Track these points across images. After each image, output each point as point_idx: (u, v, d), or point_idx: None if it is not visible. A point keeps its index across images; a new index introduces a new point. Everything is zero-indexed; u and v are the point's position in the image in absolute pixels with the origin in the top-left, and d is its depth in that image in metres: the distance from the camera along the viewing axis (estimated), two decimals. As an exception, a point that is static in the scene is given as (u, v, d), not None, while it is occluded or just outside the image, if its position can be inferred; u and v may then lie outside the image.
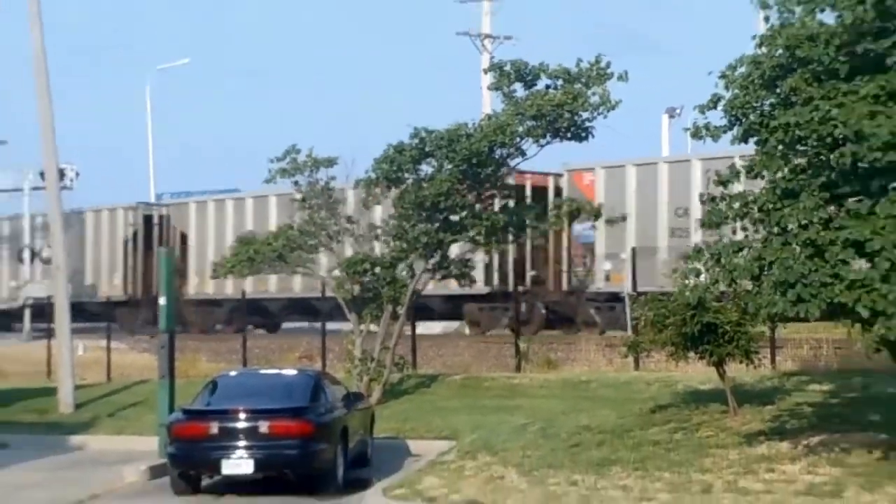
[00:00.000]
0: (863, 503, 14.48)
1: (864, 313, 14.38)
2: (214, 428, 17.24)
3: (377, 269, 26.50)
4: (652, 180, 34.71)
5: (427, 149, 25.77)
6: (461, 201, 26.19)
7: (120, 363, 34.68)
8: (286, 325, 47.68)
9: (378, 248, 28.31)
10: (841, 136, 14.59)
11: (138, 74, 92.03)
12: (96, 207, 50.38)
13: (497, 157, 25.91)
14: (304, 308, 43.29)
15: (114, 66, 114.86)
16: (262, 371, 23.15)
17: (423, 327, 35.02)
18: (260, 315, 45.35)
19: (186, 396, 19.33)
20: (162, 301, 21.78)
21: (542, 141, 25.60)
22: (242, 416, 17.35)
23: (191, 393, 19.20)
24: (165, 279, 22.36)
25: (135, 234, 48.91)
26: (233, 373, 22.98)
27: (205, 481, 17.74)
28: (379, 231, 27.68)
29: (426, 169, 26.26)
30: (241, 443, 17.10)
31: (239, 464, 16.98)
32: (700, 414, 20.17)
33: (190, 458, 17.46)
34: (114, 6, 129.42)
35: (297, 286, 40.62)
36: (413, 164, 26.06)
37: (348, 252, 28.18)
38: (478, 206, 26.67)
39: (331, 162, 27.69)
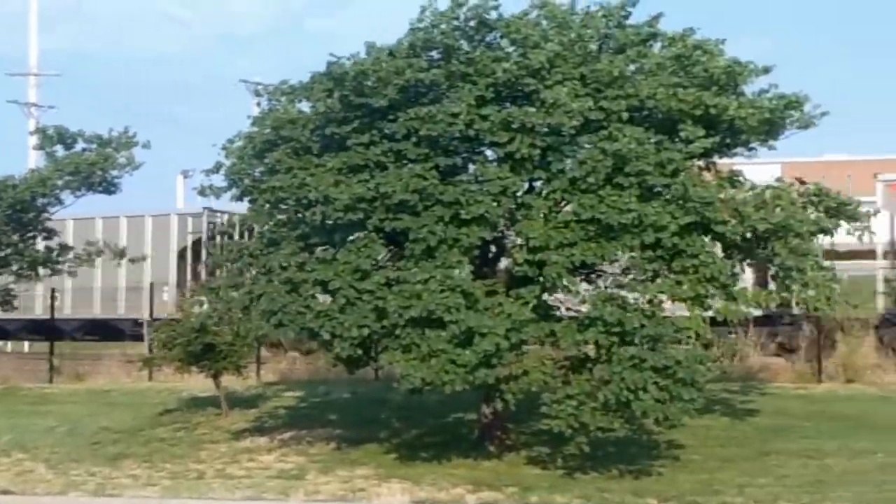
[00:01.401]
0: (319, 483, 14.74)
1: (327, 336, 14.77)
2: None
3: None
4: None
5: (-24, 195, 24.82)
6: (6, 240, 25.30)
7: None
8: None
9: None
10: (314, 199, 14.81)
11: None
12: None
13: (39, 204, 25.34)
14: None
15: None
16: None
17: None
18: None
19: None
20: None
21: (78, 193, 25.32)
22: None
23: None
24: None
25: None
26: None
27: None
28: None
29: (-26, 213, 25.21)
30: None
31: None
32: (199, 416, 20.11)
33: None
34: None
35: None
36: (-37, 207, 24.99)
37: None
38: (21, 244, 25.77)
39: None
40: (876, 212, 19.92)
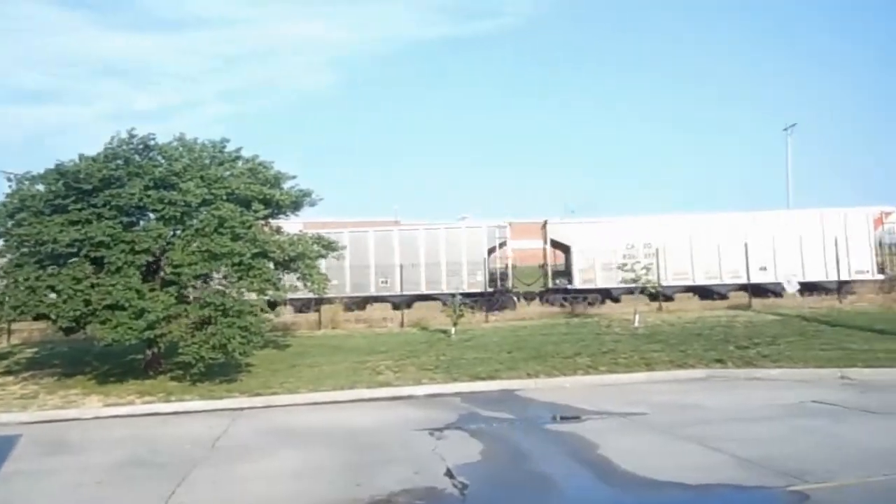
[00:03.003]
0: (47, 400, 14.11)
1: (54, 317, 14.59)
2: None
3: None
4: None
5: None
6: None
7: None
8: None
9: None
10: (47, 240, 14.43)
11: None
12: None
13: None
14: None
15: None
16: None
17: None
18: None
19: None
20: None
21: None
22: None
23: None
24: None
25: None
26: None
27: None
28: None
29: None
30: None
31: None
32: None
33: None
34: None
35: None
36: None
37: None
38: None
39: None
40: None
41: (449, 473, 8.05)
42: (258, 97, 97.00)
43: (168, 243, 15.29)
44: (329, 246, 17.66)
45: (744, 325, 18.87)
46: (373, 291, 27.66)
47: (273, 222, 17.03)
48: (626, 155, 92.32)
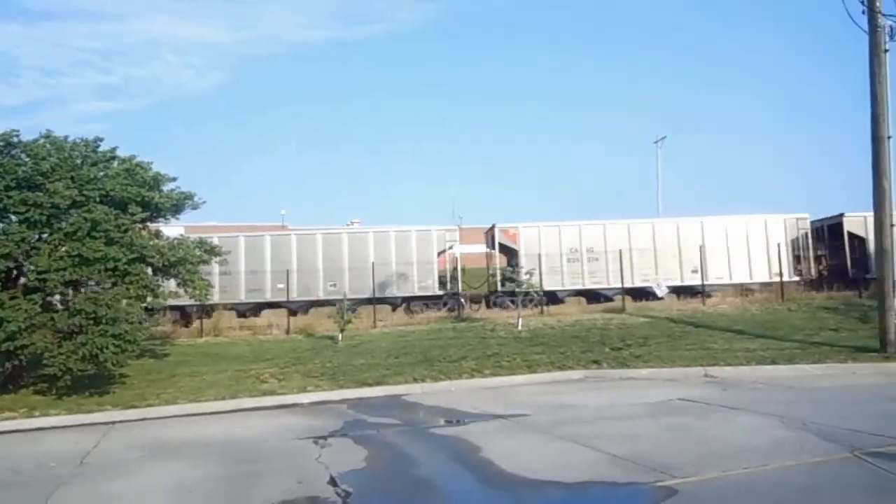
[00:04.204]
0: None
1: None
2: None
3: None
4: None
5: None
6: None
7: None
8: None
9: None
10: None
11: None
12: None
13: None
14: None
15: None
16: None
17: None
18: None
19: None
20: None
21: None
22: None
23: None
24: None
25: None
26: None
27: None
28: None
29: None
30: None
31: None
32: None
33: None
34: None
35: None
36: None
37: None
38: None
39: None
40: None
41: (332, 482, 7.94)
42: (138, 96, 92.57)
43: (32, 248, 14.52)
44: (212, 251, 17.13)
45: (618, 328, 19.70)
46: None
47: (152, 226, 16.64)
48: (515, 162, 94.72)
